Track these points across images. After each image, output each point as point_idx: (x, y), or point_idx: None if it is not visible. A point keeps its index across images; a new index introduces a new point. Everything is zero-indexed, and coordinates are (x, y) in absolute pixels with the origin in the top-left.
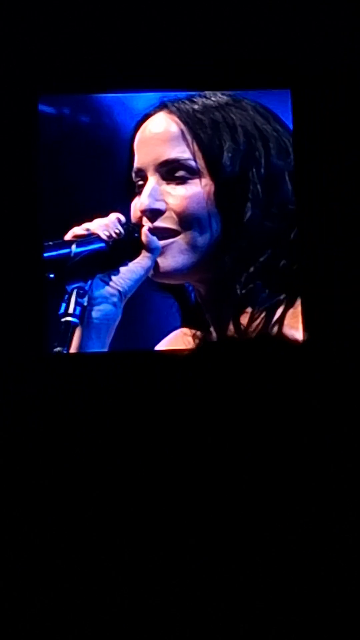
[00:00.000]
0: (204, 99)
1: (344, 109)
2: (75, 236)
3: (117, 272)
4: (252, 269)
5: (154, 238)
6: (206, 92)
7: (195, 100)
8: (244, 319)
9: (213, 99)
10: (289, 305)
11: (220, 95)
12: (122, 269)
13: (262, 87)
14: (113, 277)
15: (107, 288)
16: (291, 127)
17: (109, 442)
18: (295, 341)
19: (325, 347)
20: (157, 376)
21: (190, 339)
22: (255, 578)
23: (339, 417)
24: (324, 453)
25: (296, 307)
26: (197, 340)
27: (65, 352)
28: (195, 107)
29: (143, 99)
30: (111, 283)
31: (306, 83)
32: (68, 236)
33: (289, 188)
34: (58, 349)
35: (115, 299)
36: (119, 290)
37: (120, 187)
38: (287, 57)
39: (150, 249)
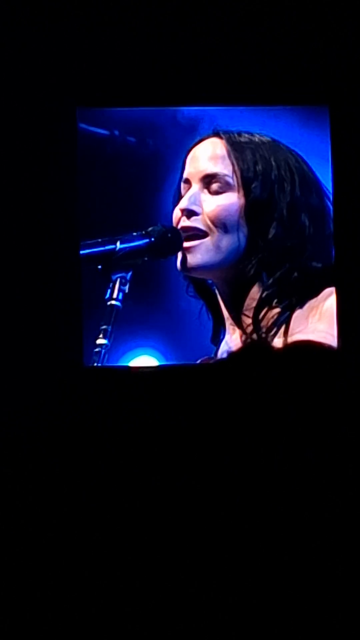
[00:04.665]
0: (249, 135)
1: None
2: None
3: None
4: (271, 279)
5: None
6: (252, 131)
7: (242, 134)
8: (262, 320)
9: (257, 137)
10: (296, 308)
11: (261, 136)
12: None
13: (300, 104)
14: None
15: None
16: (329, 143)
17: (137, 453)
18: (330, 348)
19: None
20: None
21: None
22: (254, 588)
23: None
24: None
25: (304, 309)
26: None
27: (110, 329)
28: (241, 138)
29: (182, 125)
30: None
31: (345, 99)
32: None
33: (306, 217)
34: (104, 327)
35: None
36: None
37: (161, 199)
38: (325, 73)
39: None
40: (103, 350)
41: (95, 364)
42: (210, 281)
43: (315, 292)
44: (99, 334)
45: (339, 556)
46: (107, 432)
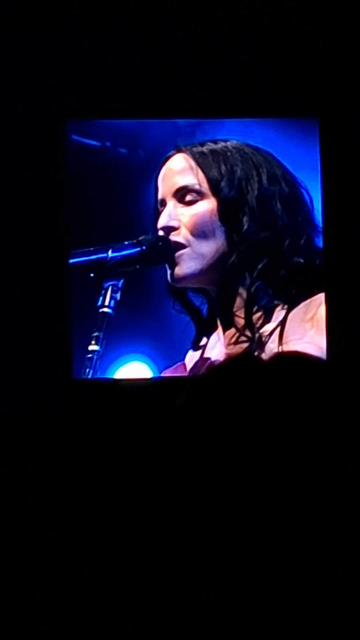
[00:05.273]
0: (212, 142)
1: None
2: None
3: None
4: (254, 271)
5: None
6: (215, 140)
7: (205, 143)
8: (254, 319)
9: (220, 143)
10: (291, 308)
11: (225, 142)
12: None
13: (291, 116)
14: None
15: None
16: (319, 154)
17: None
18: (320, 360)
19: (349, 366)
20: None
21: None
22: (254, 589)
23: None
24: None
25: (297, 309)
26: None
27: (102, 336)
28: (204, 148)
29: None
30: None
31: (334, 111)
32: None
33: (278, 207)
34: (96, 333)
35: None
36: None
37: (152, 208)
38: (316, 86)
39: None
40: (95, 357)
41: (87, 369)
42: (194, 295)
43: (304, 292)
44: (91, 341)
45: (338, 558)
46: (97, 441)
